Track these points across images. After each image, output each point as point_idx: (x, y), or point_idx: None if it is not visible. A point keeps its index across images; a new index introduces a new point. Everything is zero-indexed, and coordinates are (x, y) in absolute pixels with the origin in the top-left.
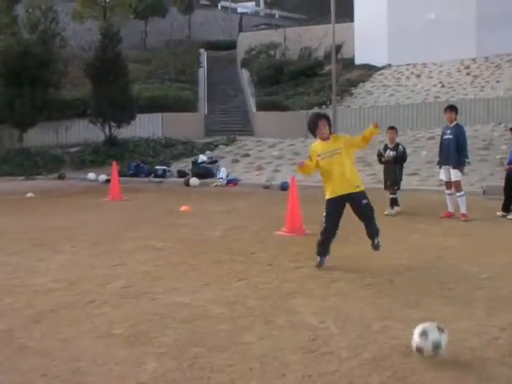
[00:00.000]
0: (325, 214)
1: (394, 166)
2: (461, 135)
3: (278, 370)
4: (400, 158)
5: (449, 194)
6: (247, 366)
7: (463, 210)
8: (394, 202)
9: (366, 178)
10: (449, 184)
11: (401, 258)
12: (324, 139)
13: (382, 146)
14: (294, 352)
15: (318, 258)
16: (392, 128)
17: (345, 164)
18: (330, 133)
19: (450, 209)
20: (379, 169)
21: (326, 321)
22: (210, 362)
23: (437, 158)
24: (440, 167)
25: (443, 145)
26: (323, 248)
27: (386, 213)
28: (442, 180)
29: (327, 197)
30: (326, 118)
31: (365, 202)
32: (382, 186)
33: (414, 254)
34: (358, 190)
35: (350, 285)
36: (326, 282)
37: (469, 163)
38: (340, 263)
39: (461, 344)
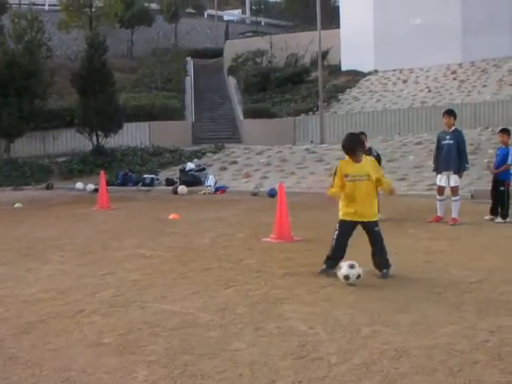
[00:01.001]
0: (337, 232)
1: None
2: (461, 140)
3: (268, 377)
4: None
5: (440, 200)
6: (237, 373)
7: (455, 215)
8: None
9: None
10: (442, 190)
11: (390, 262)
12: (358, 161)
13: None
14: (284, 358)
15: (325, 266)
16: (363, 133)
17: (370, 192)
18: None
19: (440, 213)
20: None
21: (315, 326)
22: (201, 370)
23: (427, 163)
24: (439, 173)
25: (442, 150)
26: (331, 264)
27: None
28: (435, 185)
29: (342, 217)
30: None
31: (377, 229)
32: None
33: (403, 258)
34: (374, 219)
35: (339, 290)
36: (315, 287)
37: (468, 168)
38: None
39: (450, 347)
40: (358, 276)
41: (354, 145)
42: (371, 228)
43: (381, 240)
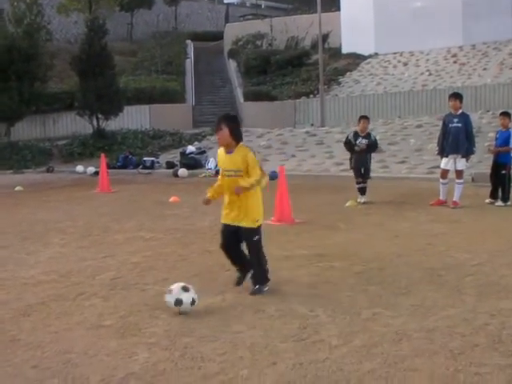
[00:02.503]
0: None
1: (365, 154)
2: (469, 124)
3: (268, 359)
4: (373, 146)
5: (443, 184)
6: (238, 355)
7: (456, 198)
8: (364, 191)
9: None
10: (446, 173)
11: (390, 245)
12: (229, 151)
13: (351, 133)
14: (285, 340)
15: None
16: (365, 117)
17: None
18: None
19: (443, 197)
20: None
21: (315, 309)
22: (201, 352)
23: (427, 146)
24: (445, 156)
25: (450, 133)
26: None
27: (361, 200)
28: (436, 168)
29: (221, 220)
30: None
31: (255, 238)
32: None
33: (404, 241)
34: (250, 225)
35: (340, 273)
36: (316, 270)
37: (475, 152)
38: (330, 251)
39: (451, 330)
40: (193, 302)
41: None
42: (246, 236)
43: (256, 251)
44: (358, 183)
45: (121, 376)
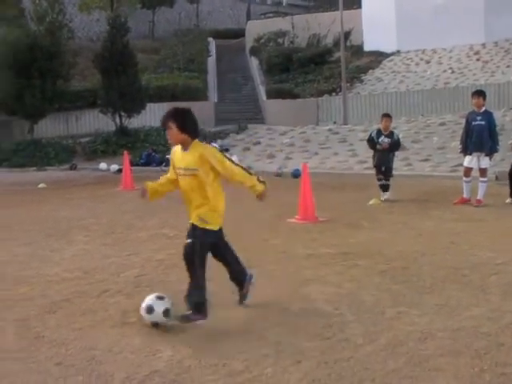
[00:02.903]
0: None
1: (388, 152)
2: (493, 122)
3: (293, 357)
4: (396, 146)
5: (467, 182)
6: (262, 353)
7: (480, 196)
8: (386, 188)
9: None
10: (469, 171)
11: (414, 244)
12: (185, 149)
13: (375, 131)
14: (310, 339)
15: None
16: (387, 116)
17: (196, 194)
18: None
19: (466, 195)
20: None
21: (340, 307)
22: (225, 349)
23: (451, 144)
24: (468, 154)
25: (473, 131)
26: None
27: (382, 198)
28: (460, 166)
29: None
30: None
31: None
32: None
33: (428, 240)
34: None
35: (365, 271)
36: (341, 268)
37: (498, 150)
38: (353, 249)
39: (475, 330)
40: (166, 312)
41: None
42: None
43: (190, 261)
44: (378, 180)
45: (145, 373)
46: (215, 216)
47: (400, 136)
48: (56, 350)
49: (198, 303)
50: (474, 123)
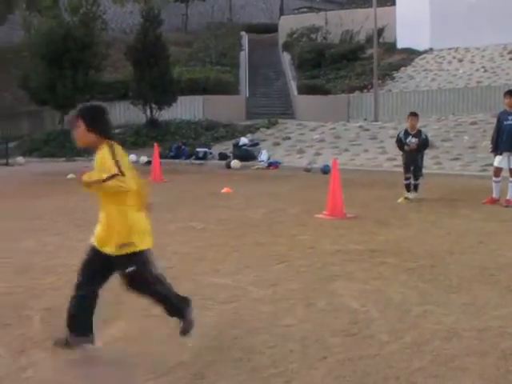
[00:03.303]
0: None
1: (416, 152)
2: None
3: (318, 353)
4: (424, 145)
5: (496, 182)
6: (288, 348)
7: (510, 196)
8: (416, 188)
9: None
10: (499, 171)
11: (442, 242)
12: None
13: (402, 131)
14: (335, 335)
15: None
16: (414, 114)
17: (105, 205)
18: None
19: (496, 195)
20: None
21: (367, 304)
22: (251, 344)
23: (482, 144)
24: (499, 153)
25: (505, 131)
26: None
27: (410, 196)
28: (490, 166)
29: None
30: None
31: (130, 270)
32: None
33: (456, 239)
34: (117, 252)
35: (392, 269)
36: (368, 265)
37: None
38: (381, 247)
39: (502, 330)
40: None
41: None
42: (117, 267)
43: (144, 287)
44: (406, 179)
45: (170, 365)
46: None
47: (430, 135)
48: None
49: (177, 308)
50: (505, 123)
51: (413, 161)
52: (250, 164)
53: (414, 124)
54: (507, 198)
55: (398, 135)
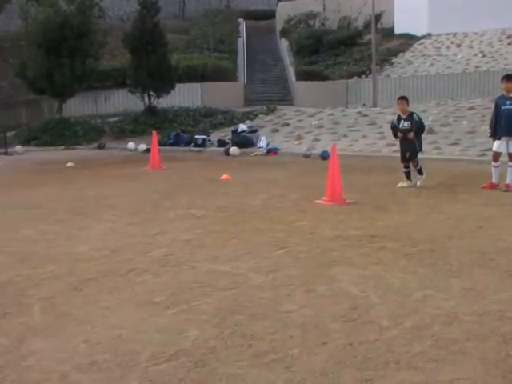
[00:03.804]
0: None
1: (415, 139)
2: None
3: (318, 339)
4: (420, 129)
5: (495, 166)
6: (288, 334)
7: (509, 181)
8: (420, 172)
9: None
10: (498, 156)
11: (442, 227)
12: None
13: (395, 117)
14: (335, 320)
15: None
16: (401, 98)
17: None
18: None
19: (495, 180)
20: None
21: (366, 290)
22: (251, 330)
23: (480, 129)
24: (497, 138)
25: (503, 116)
26: None
27: (404, 185)
28: (489, 151)
29: None
30: None
31: None
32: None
33: (455, 223)
34: None
35: (391, 254)
36: (367, 250)
37: None
38: (381, 232)
39: (502, 314)
40: None
41: None
42: None
43: None
44: (404, 167)
45: (171, 353)
46: None
47: (429, 119)
48: (82, 328)
49: None
50: (503, 108)
51: (407, 147)
52: (248, 151)
53: (404, 107)
54: (506, 182)
55: (393, 122)
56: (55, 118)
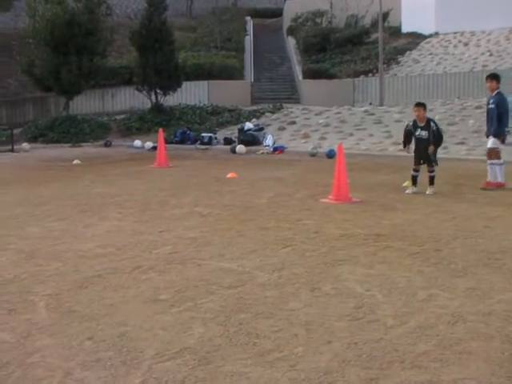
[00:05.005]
0: None
1: (426, 145)
2: (501, 104)
3: (323, 337)
4: (438, 141)
5: (500, 165)
6: (293, 333)
7: (489, 179)
8: (431, 181)
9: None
10: (498, 153)
11: (448, 227)
12: None
13: (411, 122)
14: (340, 319)
15: None
16: (419, 105)
17: None
18: None
19: (501, 180)
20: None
21: (371, 288)
22: (256, 328)
23: (484, 128)
24: (487, 137)
25: (488, 114)
26: None
27: (409, 191)
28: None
29: None
30: None
31: None
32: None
33: (461, 223)
34: None
35: (397, 253)
36: (373, 249)
37: (508, 132)
38: (386, 231)
39: (507, 314)
40: None
41: None
42: None
43: None
44: (414, 170)
45: (175, 350)
46: None
47: (436, 118)
48: (87, 325)
49: None
50: (488, 107)
51: (425, 157)
52: (255, 149)
53: (421, 115)
54: (487, 179)
55: (407, 126)
56: (62, 116)
